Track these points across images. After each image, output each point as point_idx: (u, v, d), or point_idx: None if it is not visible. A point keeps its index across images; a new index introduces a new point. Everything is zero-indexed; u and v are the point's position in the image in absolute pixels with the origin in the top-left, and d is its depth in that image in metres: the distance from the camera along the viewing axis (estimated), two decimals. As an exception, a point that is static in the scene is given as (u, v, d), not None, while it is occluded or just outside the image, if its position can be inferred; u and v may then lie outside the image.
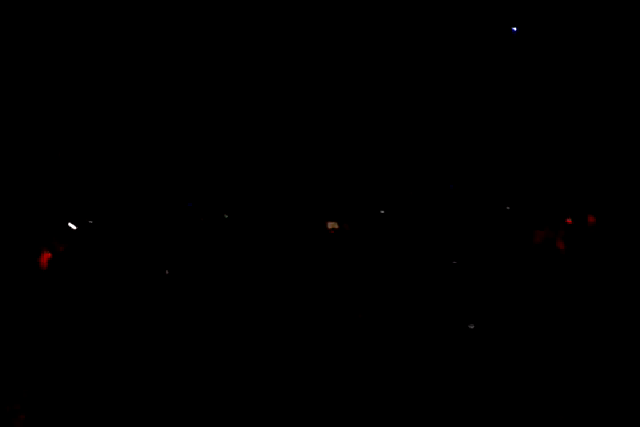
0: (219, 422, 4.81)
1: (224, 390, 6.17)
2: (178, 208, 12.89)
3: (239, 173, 13.25)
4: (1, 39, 12.44)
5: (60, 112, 12.75)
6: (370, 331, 8.81)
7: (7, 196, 12.18)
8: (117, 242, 12.16)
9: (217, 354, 7.89)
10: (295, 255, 11.80)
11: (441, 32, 12.99)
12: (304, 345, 8.18)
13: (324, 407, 5.37)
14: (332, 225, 13.02)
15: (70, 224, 10.90)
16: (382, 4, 13.05)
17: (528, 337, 8.30)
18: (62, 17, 12.63)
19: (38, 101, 12.59)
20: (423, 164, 13.48)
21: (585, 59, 12.63)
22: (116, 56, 12.84)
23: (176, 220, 12.61)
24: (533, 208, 12.22)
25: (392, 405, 5.52)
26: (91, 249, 11.66)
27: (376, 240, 12.50)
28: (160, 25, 12.82)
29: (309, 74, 13.13)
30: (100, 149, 13.09)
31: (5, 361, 6.66)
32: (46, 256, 9.95)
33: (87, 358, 6.63)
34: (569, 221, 11.53)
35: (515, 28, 12.60)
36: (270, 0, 13.00)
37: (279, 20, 13.05)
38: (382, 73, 13.25)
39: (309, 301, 10.08)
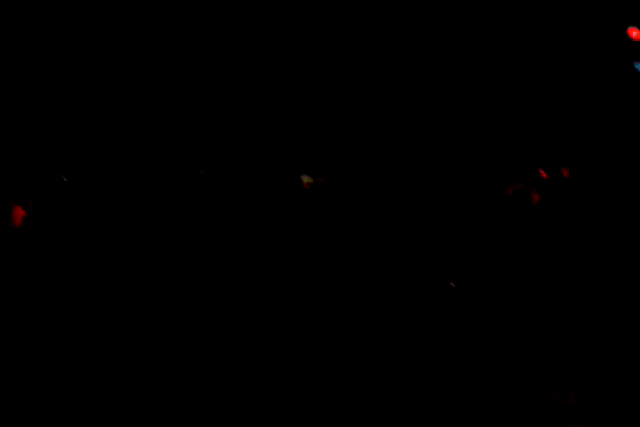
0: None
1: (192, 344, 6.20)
2: (152, 162, 12.81)
3: (212, 125, 13.17)
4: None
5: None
6: (345, 285, 8.85)
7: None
8: (91, 197, 12.09)
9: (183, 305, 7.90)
10: (270, 209, 11.79)
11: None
12: (275, 297, 8.21)
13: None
14: (306, 179, 13.00)
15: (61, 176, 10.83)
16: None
17: (504, 289, 8.36)
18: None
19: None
20: (397, 118, 13.44)
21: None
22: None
23: (150, 174, 12.54)
24: (507, 160, 12.25)
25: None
26: (65, 205, 11.58)
27: (351, 195, 12.50)
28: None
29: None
30: (71, 100, 12.97)
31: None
32: (19, 213, 9.88)
33: (60, 319, 6.60)
34: (543, 173, 11.56)
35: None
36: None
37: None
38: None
39: (284, 255, 10.10)
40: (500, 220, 10.53)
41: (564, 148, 12.07)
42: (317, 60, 13.29)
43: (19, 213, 9.84)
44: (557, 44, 12.60)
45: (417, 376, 5.69)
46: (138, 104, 13.10)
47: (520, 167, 11.77)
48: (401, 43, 13.26)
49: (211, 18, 12.94)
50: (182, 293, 8.45)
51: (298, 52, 13.21)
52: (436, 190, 11.91)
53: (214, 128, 13.29)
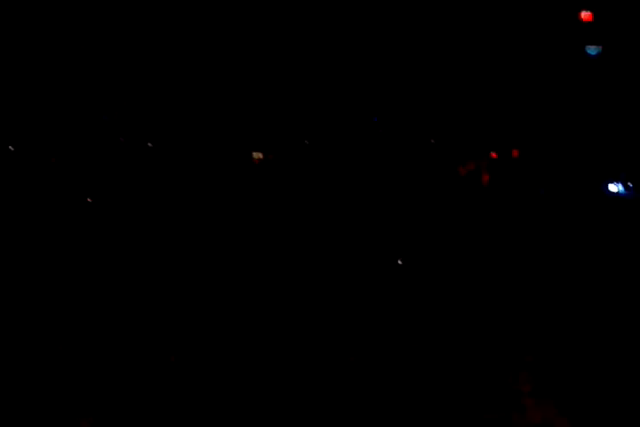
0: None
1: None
2: (103, 140, 12.69)
3: (165, 102, 13.05)
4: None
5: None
6: (294, 257, 8.82)
7: None
8: (35, 165, 11.92)
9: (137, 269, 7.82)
10: (221, 184, 11.73)
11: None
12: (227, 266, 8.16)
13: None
14: (257, 155, 13.00)
15: None
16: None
17: (461, 265, 8.40)
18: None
19: None
20: (348, 96, 13.43)
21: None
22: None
23: (97, 152, 12.44)
24: (460, 142, 12.33)
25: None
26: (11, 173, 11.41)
27: (300, 170, 12.48)
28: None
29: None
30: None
31: None
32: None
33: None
34: (493, 155, 11.67)
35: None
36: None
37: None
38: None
39: (234, 227, 10.06)
40: (451, 198, 10.60)
41: (516, 129, 12.19)
42: (268, 50, 13.27)
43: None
44: (509, 29, 12.68)
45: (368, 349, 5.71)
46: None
47: (472, 149, 11.85)
48: (344, 27, 13.25)
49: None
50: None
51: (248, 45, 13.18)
52: (387, 168, 11.94)
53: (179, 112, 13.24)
